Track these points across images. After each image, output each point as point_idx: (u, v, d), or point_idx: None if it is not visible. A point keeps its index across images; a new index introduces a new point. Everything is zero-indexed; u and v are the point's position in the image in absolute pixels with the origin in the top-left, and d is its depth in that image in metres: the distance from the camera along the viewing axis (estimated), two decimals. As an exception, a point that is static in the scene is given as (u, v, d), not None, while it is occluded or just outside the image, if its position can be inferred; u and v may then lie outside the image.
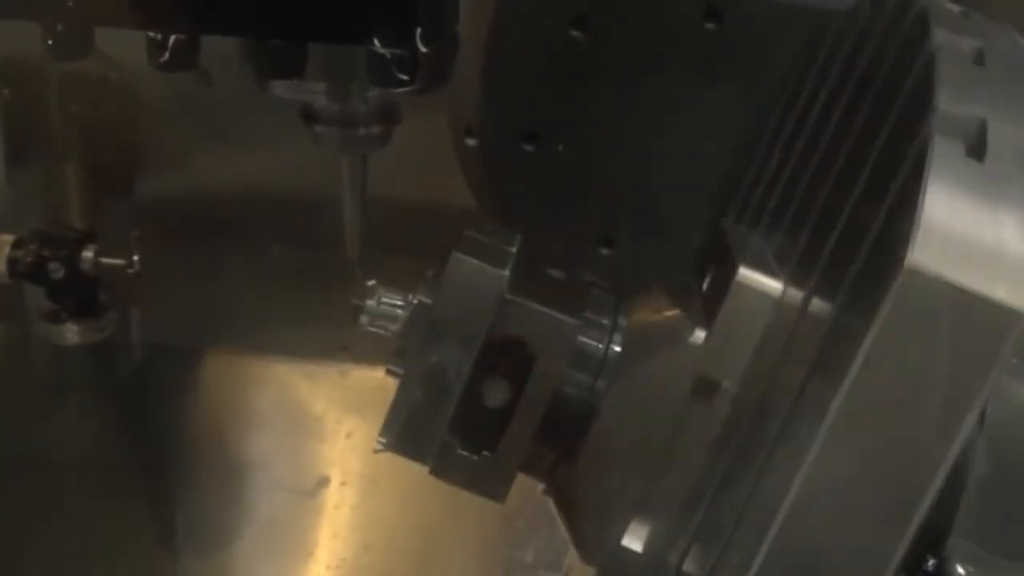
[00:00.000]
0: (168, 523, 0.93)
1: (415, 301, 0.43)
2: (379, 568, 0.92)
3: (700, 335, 0.40)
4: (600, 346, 0.43)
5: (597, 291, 0.44)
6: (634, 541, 0.41)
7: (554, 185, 0.66)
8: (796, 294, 0.38)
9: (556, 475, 0.45)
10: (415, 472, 0.44)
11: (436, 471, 0.43)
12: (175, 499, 0.95)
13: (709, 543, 0.37)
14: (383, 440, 0.42)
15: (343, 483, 0.95)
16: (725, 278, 0.39)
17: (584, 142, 0.64)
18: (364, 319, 0.44)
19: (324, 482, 0.95)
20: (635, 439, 0.41)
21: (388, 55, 0.69)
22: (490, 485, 0.43)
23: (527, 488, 0.46)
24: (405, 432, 0.42)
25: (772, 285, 0.39)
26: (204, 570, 0.93)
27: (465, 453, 0.42)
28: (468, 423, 0.42)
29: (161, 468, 0.97)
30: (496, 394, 0.41)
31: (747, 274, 0.39)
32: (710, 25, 0.57)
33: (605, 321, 0.43)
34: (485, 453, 0.42)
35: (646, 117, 0.61)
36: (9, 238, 0.88)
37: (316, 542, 0.93)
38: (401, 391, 0.41)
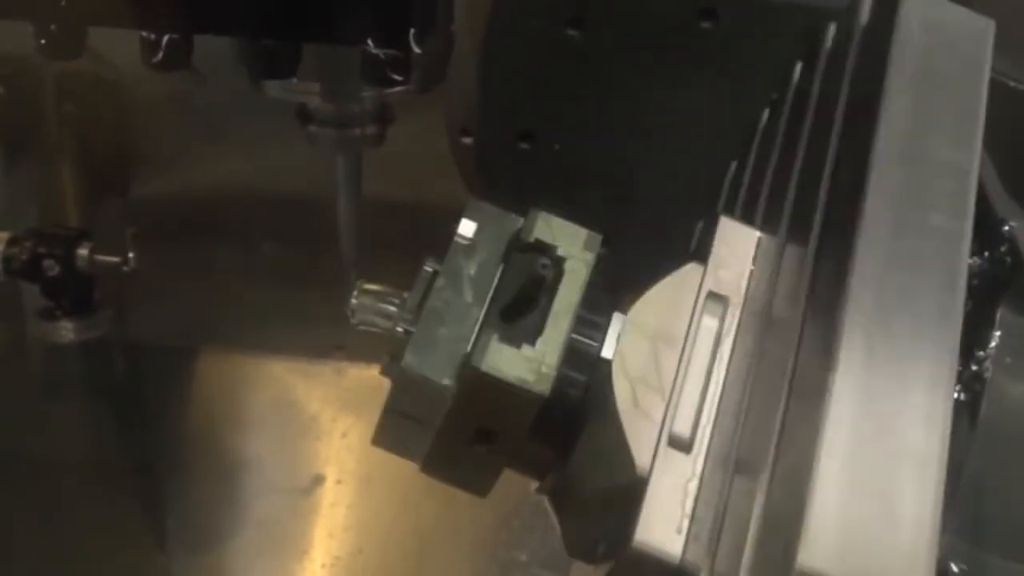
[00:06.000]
0: (162, 521, 0.93)
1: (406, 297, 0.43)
2: (374, 567, 0.92)
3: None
4: (595, 344, 0.43)
5: (592, 289, 0.44)
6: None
7: (550, 183, 0.66)
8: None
9: (550, 473, 0.45)
10: (410, 471, 0.44)
11: (425, 467, 0.43)
12: (169, 497, 0.95)
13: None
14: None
15: (338, 481, 0.95)
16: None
17: (580, 140, 0.64)
18: (354, 317, 0.44)
19: (319, 481, 0.95)
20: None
21: (382, 55, 0.69)
22: (477, 480, 0.44)
23: (522, 487, 0.46)
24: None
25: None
26: (199, 568, 0.93)
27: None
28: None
29: (155, 466, 0.97)
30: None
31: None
32: (705, 24, 0.57)
33: (600, 319, 0.43)
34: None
35: (642, 115, 0.61)
36: (4, 235, 0.88)
37: (311, 541, 0.93)
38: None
